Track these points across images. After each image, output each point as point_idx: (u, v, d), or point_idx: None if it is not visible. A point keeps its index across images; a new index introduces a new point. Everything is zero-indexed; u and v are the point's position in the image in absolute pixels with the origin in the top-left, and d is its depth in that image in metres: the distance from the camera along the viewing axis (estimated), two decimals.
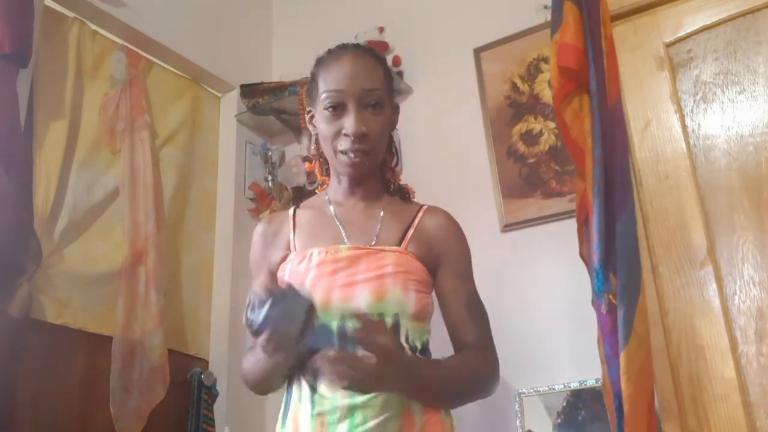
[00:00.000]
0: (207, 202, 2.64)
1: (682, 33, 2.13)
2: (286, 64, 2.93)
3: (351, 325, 1.11)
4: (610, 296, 1.39)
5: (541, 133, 2.31)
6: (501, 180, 2.32)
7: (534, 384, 2.08)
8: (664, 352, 1.90)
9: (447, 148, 2.48)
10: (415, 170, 2.54)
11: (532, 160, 2.29)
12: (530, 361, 2.11)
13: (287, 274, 1.23)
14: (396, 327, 1.16)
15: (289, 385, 1.21)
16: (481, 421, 2.14)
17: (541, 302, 2.14)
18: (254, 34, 3.02)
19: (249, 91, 2.74)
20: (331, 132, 1.24)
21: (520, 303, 2.17)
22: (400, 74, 2.60)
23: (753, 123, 1.99)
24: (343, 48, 1.30)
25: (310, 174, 2.67)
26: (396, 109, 1.36)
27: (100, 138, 2.26)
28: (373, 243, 1.24)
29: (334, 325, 1.13)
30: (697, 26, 2.10)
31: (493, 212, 2.31)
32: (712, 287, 1.91)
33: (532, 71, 2.38)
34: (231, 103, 2.80)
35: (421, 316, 1.21)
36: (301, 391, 1.17)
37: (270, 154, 2.77)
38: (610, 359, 1.40)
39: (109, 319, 2.10)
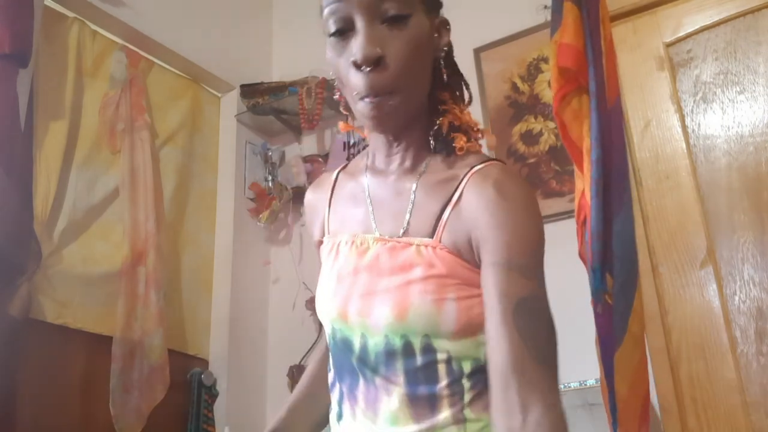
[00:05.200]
0: (207, 202, 2.64)
1: (682, 33, 2.13)
2: (286, 64, 2.94)
3: (373, 344, 0.88)
4: (607, 296, 1.39)
5: (541, 133, 2.31)
6: None
7: None
8: (664, 352, 1.90)
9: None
10: None
11: (532, 160, 2.29)
12: None
13: (324, 268, 1.00)
14: (428, 352, 0.85)
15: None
16: None
17: None
18: (254, 34, 3.02)
19: (249, 91, 2.74)
20: (340, 65, 0.89)
21: None
22: None
23: (753, 123, 1.99)
24: None
25: (310, 174, 2.67)
26: (440, 26, 0.94)
27: (100, 138, 2.26)
28: (401, 233, 0.91)
29: (356, 341, 0.90)
30: (697, 26, 2.11)
31: None
32: (712, 287, 1.91)
33: (532, 71, 2.38)
34: (231, 103, 2.80)
35: (470, 329, 0.86)
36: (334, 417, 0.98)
37: (270, 154, 2.77)
38: (605, 359, 1.40)
39: (109, 319, 2.10)
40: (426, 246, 0.88)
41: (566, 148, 1.56)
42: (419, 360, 0.86)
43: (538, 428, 0.73)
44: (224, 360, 2.41)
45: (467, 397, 0.86)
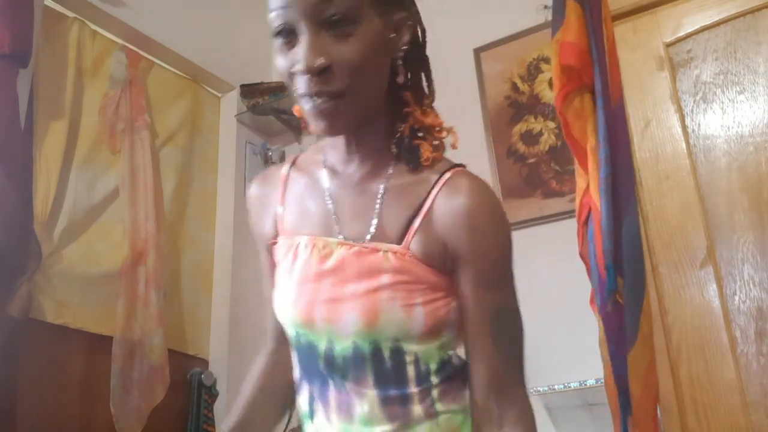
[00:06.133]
0: (207, 202, 2.64)
1: (682, 33, 2.13)
2: None
3: (340, 349, 0.88)
4: (617, 296, 1.39)
5: (541, 133, 2.31)
6: (501, 180, 2.32)
7: (534, 384, 2.08)
8: (664, 352, 1.90)
9: (447, 147, 2.48)
10: None
11: (532, 160, 2.29)
12: (530, 361, 2.10)
13: (281, 270, 0.97)
14: (396, 355, 0.88)
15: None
16: None
17: (541, 302, 2.13)
18: (254, 34, 3.02)
19: (249, 91, 2.74)
20: (284, 69, 0.85)
21: (520, 303, 2.17)
22: None
23: (753, 123, 1.99)
24: None
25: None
26: (399, 24, 0.89)
27: (100, 138, 2.26)
28: (368, 237, 0.89)
29: (321, 346, 0.89)
30: (697, 26, 2.11)
31: None
32: (712, 287, 1.91)
33: (532, 71, 2.38)
34: (231, 103, 2.80)
35: (436, 330, 0.89)
36: (305, 425, 0.97)
37: (270, 154, 2.77)
38: (615, 359, 1.39)
39: (109, 319, 2.10)
40: (394, 252, 0.87)
41: (569, 145, 1.55)
42: (388, 363, 0.87)
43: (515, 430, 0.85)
44: (224, 360, 2.41)
45: (435, 392, 0.89)
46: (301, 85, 0.83)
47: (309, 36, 0.81)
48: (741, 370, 1.83)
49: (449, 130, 0.97)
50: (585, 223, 1.54)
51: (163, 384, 2.14)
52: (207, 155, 2.70)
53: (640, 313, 1.36)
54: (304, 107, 0.85)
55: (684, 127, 2.07)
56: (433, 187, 0.89)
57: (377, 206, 0.90)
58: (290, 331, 0.95)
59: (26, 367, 1.89)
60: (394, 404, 0.88)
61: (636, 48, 2.18)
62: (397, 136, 0.92)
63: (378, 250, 0.88)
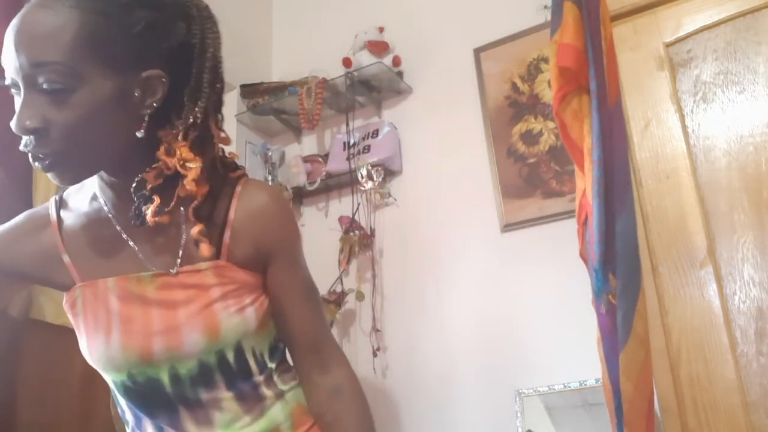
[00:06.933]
0: None
1: (682, 33, 2.13)
2: (286, 64, 2.94)
3: (185, 371, 0.92)
4: (610, 296, 1.39)
5: (541, 133, 2.31)
6: (501, 180, 2.32)
7: (534, 384, 2.08)
8: (664, 352, 1.90)
9: (447, 148, 2.49)
10: (415, 170, 2.54)
11: (532, 160, 2.29)
12: (530, 361, 2.11)
13: (83, 320, 0.94)
14: (239, 353, 0.95)
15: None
16: (481, 421, 2.14)
17: (541, 302, 2.14)
18: (254, 34, 3.02)
19: (249, 91, 2.74)
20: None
21: (520, 303, 2.17)
22: (400, 74, 2.61)
23: (753, 123, 1.99)
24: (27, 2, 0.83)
25: (310, 174, 2.68)
26: (148, 83, 0.85)
27: None
28: (179, 263, 0.93)
29: (164, 376, 0.92)
30: (697, 26, 2.11)
31: (493, 212, 2.31)
32: (712, 287, 1.91)
33: (532, 71, 2.38)
34: (231, 103, 2.79)
35: (264, 324, 0.99)
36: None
37: (270, 154, 2.77)
38: (609, 359, 1.40)
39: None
40: (216, 267, 0.94)
41: (567, 147, 1.56)
42: (234, 365, 0.95)
43: (350, 375, 1.04)
44: None
45: (276, 375, 1.01)
46: (23, 142, 0.82)
47: (24, 97, 0.79)
48: (741, 370, 1.83)
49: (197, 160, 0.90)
50: (584, 224, 1.54)
51: None
52: None
53: (633, 313, 1.36)
54: (35, 164, 0.83)
55: (684, 127, 2.07)
56: (232, 198, 0.97)
57: (182, 234, 0.94)
58: (118, 377, 0.95)
59: (26, 367, 1.89)
60: (247, 397, 0.96)
61: (636, 48, 2.18)
62: (134, 185, 0.88)
63: (200, 270, 0.93)
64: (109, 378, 0.98)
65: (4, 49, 0.81)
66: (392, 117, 2.63)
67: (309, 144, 2.84)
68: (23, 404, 1.87)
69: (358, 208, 2.51)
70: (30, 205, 1.93)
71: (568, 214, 2.12)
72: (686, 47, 2.13)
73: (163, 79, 0.86)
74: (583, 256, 1.59)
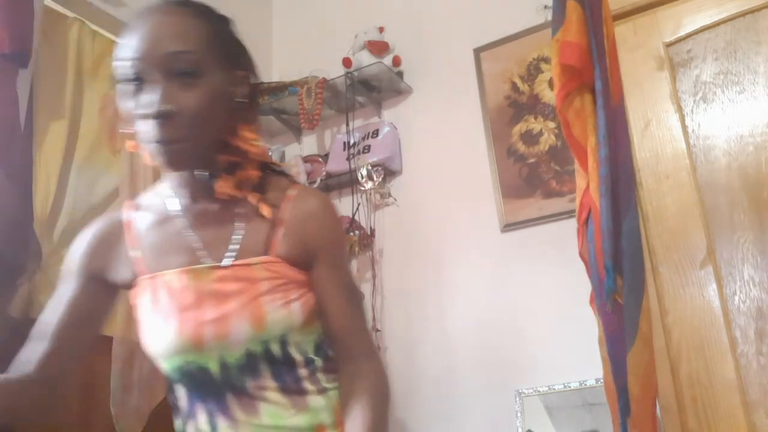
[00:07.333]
0: None
1: (682, 33, 2.13)
2: (286, 64, 2.94)
3: (233, 360, 0.99)
4: (616, 296, 1.39)
5: (541, 133, 2.31)
6: (501, 180, 2.32)
7: (534, 384, 2.08)
8: (664, 352, 1.90)
9: (447, 148, 2.49)
10: (415, 170, 2.54)
11: (532, 160, 2.29)
12: (530, 361, 2.11)
13: (145, 309, 1.05)
14: (284, 346, 1.02)
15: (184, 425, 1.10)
16: (481, 421, 2.14)
17: (541, 302, 2.14)
18: (254, 34, 3.02)
19: None
20: (130, 111, 0.97)
21: (520, 303, 2.17)
22: (400, 74, 2.61)
23: (753, 123, 1.99)
24: (153, 5, 1.01)
25: (310, 174, 2.67)
26: (240, 80, 1.04)
27: (100, 138, 2.25)
28: (235, 256, 1.02)
29: (214, 364, 1.00)
30: (697, 26, 2.11)
31: (493, 212, 2.31)
32: (712, 287, 1.91)
33: (532, 71, 2.38)
34: None
35: (310, 320, 1.06)
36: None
37: (270, 154, 2.76)
38: (614, 359, 1.39)
39: (109, 319, 2.09)
40: (265, 262, 1.02)
41: (570, 145, 1.56)
42: (279, 356, 1.02)
43: (376, 367, 1.07)
44: None
45: (320, 371, 1.06)
46: (147, 129, 0.94)
47: (157, 84, 0.94)
48: (741, 370, 1.83)
49: (288, 165, 1.11)
50: (585, 223, 1.54)
51: (163, 384, 2.12)
52: None
53: (639, 313, 1.37)
54: (149, 148, 0.95)
55: (684, 127, 2.07)
56: (284, 201, 1.06)
57: (238, 229, 1.04)
58: (173, 363, 1.02)
59: None
60: (292, 390, 1.02)
61: (636, 48, 2.18)
62: (220, 166, 1.03)
63: (250, 264, 1.02)
64: (165, 365, 1.04)
65: (134, 50, 0.94)
66: (392, 117, 2.63)
67: (309, 144, 2.84)
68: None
69: (358, 208, 2.51)
70: (30, 205, 1.93)
71: (568, 214, 2.12)
72: (686, 47, 2.13)
73: (249, 80, 1.05)
74: (584, 256, 1.59)
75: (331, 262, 1.07)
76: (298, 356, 1.03)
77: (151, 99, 0.93)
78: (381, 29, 2.66)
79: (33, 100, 1.99)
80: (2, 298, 1.80)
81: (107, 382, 2.05)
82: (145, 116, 0.93)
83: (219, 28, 1.02)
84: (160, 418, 2.14)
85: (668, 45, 2.14)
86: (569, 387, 2.02)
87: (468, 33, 2.54)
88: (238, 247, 1.03)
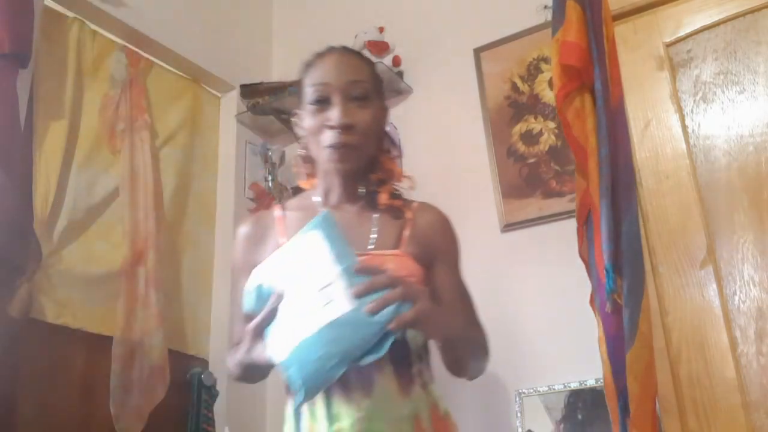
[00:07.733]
0: (207, 202, 2.64)
1: (682, 33, 2.13)
2: (286, 64, 2.93)
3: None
4: (616, 296, 1.39)
5: (541, 133, 2.31)
6: (501, 180, 2.32)
7: (534, 384, 2.08)
8: (664, 352, 1.90)
9: (447, 148, 2.48)
10: (415, 170, 2.53)
11: (532, 160, 2.29)
12: (530, 361, 2.11)
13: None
14: (403, 333, 1.14)
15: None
16: (481, 421, 2.14)
17: (541, 302, 2.14)
18: (254, 34, 3.02)
19: (249, 91, 2.74)
20: (316, 125, 1.24)
21: (520, 303, 2.17)
22: (400, 74, 2.60)
23: (753, 123, 1.99)
24: (330, 47, 1.33)
25: (309, 175, 2.67)
26: (385, 111, 1.36)
27: (100, 138, 2.25)
28: (371, 247, 1.23)
29: None
30: (697, 26, 2.11)
31: (493, 212, 2.31)
32: (712, 287, 1.91)
33: (532, 71, 2.38)
34: (231, 103, 2.80)
35: None
36: (314, 407, 1.14)
37: (270, 154, 2.76)
38: (614, 359, 1.39)
39: (109, 319, 2.10)
40: (395, 255, 1.23)
41: (570, 145, 1.56)
42: (399, 339, 1.10)
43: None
44: (224, 360, 2.40)
45: (424, 365, 1.21)
46: (330, 136, 1.23)
47: (341, 104, 1.23)
48: (741, 370, 1.83)
49: (407, 178, 1.38)
50: (585, 223, 1.54)
51: (163, 384, 2.14)
52: (207, 155, 2.69)
53: (639, 313, 1.37)
54: (324, 153, 1.25)
55: (684, 127, 2.07)
56: (411, 210, 1.32)
57: (374, 225, 1.28)
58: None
59: (26, 367, 1.89)
60: (403, 375, 1.15)
61: (636, 48, 2.18)
62: (372, 181, 1.32)
63: (382, 255, 1.21)
64: None
65: (324, 74, 1.26)
66: (392, 117, 2.62)
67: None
68: (23, 404, 1.87)
69: None
70: (30, 205, 1.93)
71: (568, 214, 2.12)
72: (686, 47, 2.13)
73: (386, 112, 1.37)
74: (583, 256, 1.59)
75: (446, 263, 1.29)
76: (412, 344, 1.18)
77: (336, 114, 1.21)
78: (381, 29, 2.66)
79: (33, 100, 1.99)
80: (2, 298, 1.80)
81: (107, 382, 2.05)
82: (331, 127, 1.21)
83: (375, 68, 1.35)
84: (160, 418, 2.14)
85: (668, 45, 2.14)
86: (569, 387, 2.02)
87: (468, 33, 2.54)
88: (375, 236, 1.25)
